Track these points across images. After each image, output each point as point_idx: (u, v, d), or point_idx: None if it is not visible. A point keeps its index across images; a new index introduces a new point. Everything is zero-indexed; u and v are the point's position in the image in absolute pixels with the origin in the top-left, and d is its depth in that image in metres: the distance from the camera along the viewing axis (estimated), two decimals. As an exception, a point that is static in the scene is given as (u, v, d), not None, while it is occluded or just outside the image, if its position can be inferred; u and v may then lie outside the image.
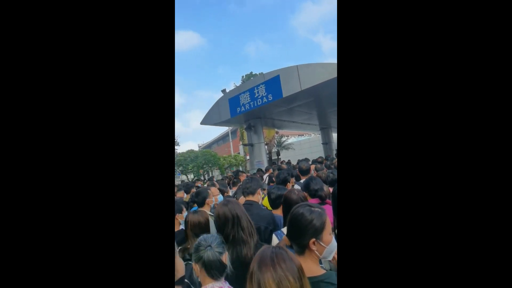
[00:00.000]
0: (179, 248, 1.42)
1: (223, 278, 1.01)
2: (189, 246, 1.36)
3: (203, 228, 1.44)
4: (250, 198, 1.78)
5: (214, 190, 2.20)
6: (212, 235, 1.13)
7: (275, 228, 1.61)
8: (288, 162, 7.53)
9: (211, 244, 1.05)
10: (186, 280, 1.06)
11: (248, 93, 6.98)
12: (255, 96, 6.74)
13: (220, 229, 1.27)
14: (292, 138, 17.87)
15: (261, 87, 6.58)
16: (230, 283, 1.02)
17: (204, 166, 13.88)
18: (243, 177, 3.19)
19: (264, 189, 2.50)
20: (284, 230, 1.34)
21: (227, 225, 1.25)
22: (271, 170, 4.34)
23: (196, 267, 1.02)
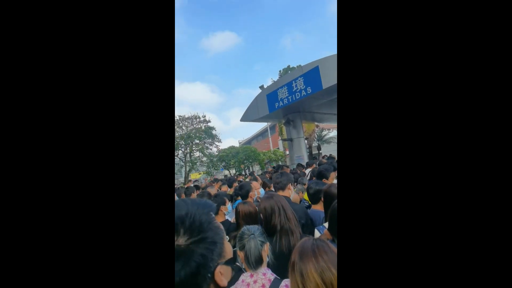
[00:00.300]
0: (229, 236, 1.54)
1: (261, 269, 1.06)
2: None
3: (254, 217, 1.53)
4: (281, 193, 1.81)
5: (255, 184, 2.30)
6: (254, 226, 1.20)
7: (308, 222, 1.61)
8: (330, 157, 7.21)
9: (254, 233, 1.12)
10: (237, 264, 1.16)
11: (285, 87, 6.90)
12: (293, 90, 6.62)
13: (267, 220, 1.33)
14: (334, 131, 16.96)
15: (299, 80, 6.43)
16: (273, 271, 1.07)
17: (245, 161, 14.36)
18: (286, 172, 3.20)
19: (304, 184, 2.49)
20: (327, 225, 1.33)
21: (274, 216, 1.31)
22: (314, 166, 4.22)
23: (241, 254, 1.10)
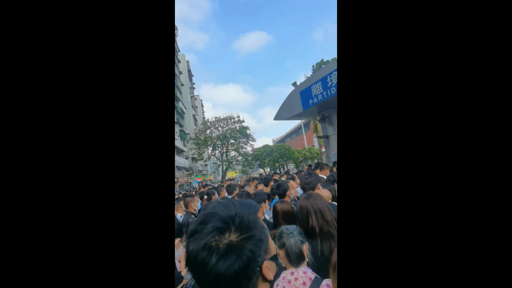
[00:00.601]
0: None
1: (303, 266, 1.08)
2: None
3: (292, 216, 1.55)
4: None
5: (293, 183, 2.31)
6: (292, 226, 1.22)
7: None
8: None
9: (293, 232, 1.14)
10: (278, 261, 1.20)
11: (320, 83, 6.66)
12: (328, 85, 6.35)
13: (303, 221, 1.34)
14: (375, 125, 15.61)
15: (334, 74, 6.14)
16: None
17: (279, 159, 14.33)
18: (326, 170, 3.11)
19: (343, 183, 2.39)
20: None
21: (310, 218, 1.30)
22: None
23: (281, 252, 1.14)
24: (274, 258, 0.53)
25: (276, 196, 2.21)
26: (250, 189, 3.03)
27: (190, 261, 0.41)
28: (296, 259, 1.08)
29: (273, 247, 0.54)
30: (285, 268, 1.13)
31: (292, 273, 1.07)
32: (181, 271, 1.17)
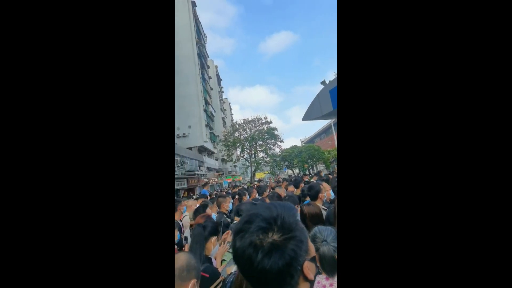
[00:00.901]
0: None
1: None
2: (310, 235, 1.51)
3: (320, 218, 1.54)
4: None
5: (325, 185, 2.25)
6: (327, 229, 1.19)
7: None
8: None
9: (326, 238, 1.11)
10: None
11: (351, 80, 6.35)
12: (361, 82, 6.02)
13: (332, 224, 1.31)
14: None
15: (367, 71, 5.79)
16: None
17: (308, 160, 13.99)
18: None
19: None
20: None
21: (335, 223, 1.27)
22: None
23: (316, 256, 1.12)
24: (313, 259, 0.54)
25: (308, 198, 2.18)
26: (281, 190, 3.03)
27: (237, 257, 0.44)
28: (330, 268, 1.05)
29: (312, 248, 0.55)
30: (319, 272, 1.11)
31: (327, 279, 1.05)
32: (217, 268, 1.23)
